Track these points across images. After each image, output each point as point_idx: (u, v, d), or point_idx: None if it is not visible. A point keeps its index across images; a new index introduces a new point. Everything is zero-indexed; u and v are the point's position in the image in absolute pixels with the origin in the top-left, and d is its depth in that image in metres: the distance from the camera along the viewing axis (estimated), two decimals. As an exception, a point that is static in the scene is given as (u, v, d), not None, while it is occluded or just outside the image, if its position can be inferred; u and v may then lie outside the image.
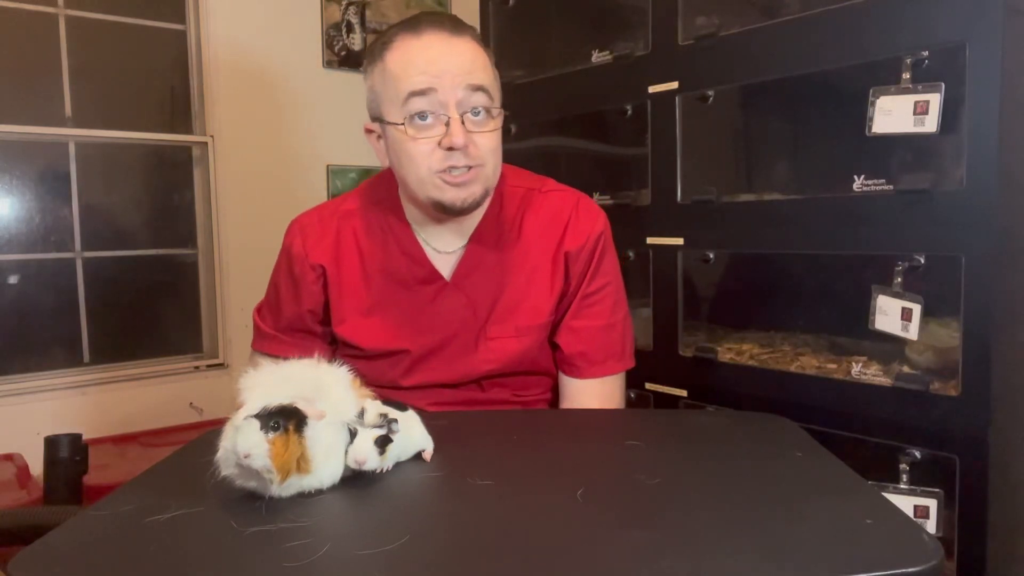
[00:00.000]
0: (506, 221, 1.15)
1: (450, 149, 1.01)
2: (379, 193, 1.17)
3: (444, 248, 1.14)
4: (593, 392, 1.17)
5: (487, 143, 1.04)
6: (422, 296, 1.13)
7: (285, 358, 1.13)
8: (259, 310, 1.23)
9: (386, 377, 1.13)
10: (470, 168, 1.03)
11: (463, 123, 1.01)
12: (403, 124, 1.02)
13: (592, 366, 1.15)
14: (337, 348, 1.19)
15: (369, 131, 1.12)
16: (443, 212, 1.07)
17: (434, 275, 1.13)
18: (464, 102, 1.01)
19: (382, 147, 1.10)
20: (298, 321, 1.17)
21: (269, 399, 0.68)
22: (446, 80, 1.00)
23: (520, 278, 1.13)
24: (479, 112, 1.03)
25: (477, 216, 1.13)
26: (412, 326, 1.13)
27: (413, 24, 1.04)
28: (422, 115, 1.01)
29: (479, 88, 1.02)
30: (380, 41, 1.06)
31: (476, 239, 1.13)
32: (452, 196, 1.04)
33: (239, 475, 0.70)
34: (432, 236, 1.14)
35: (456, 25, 1.05)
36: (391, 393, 1.12)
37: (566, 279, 1.14)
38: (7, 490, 1.85)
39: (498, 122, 1.06)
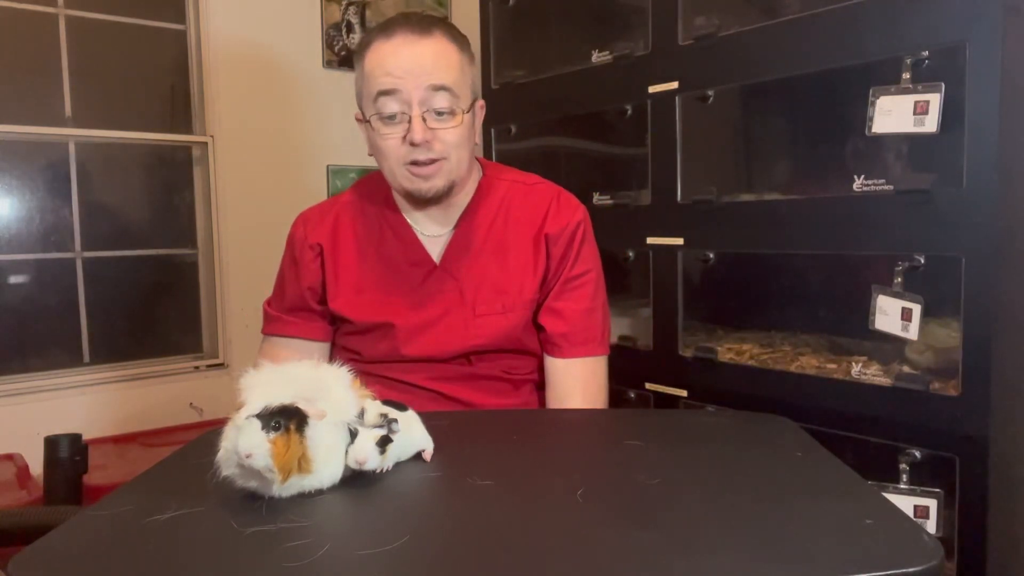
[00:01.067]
0: (491, 209, 1.22)
1: (412, 144, 1.09)
2: (372, 185, 1.26)
3: (432, 232, 1.21)
4: (576, 373, 1.22)
5: (450, 138, 1.11)
6: (413, 277, 1.20)
7: (292, 337, 1.23)
8: (268, 302, 1.31)
9: (378, 350, 1.20)
10: (434, 161, 1.11)
11: (424, 120, 1.08)
12: (371, 117, 1.11)
13: (574, 347, 1.21)
14: (337, 327, 1.25)
15: (359, 120, 1.19)
16: (413, 201, 1.17)
17: (425, 258, 1.20)
18: (426, 101, 1.09)
19: (365, 135, 1.18)
20: (299, 300, 1.24)
21: (270, 399, 0.68)
22: (409, 81, 1.08)
23: (505, 260, 1.20)
24: (442, 111, 1.10)
25: (462, 203, 1.22)
26: (402, 303, 1.19)
27: (387, 26, 1.12)
28: (389, 113, 1.09)
29: (441, 87, 1.09)
30: (362, 42, 1.15)
31: (462, 224, 1.21)
32: (417, 186, 1.13)
33: (240, 475, 0.70)
34: (419, 222, 1.22)
35: (425, 25, 1.11)
36: (389, 367, 1.19)
37: (547, 260, 1.21)
38: (7, 490, 1.85)
39: (462, 118, 1.12)
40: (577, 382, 1.21)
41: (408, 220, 1.21)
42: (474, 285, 1.19)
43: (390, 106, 1.09)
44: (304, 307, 1.24)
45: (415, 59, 1.08)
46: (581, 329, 1.21)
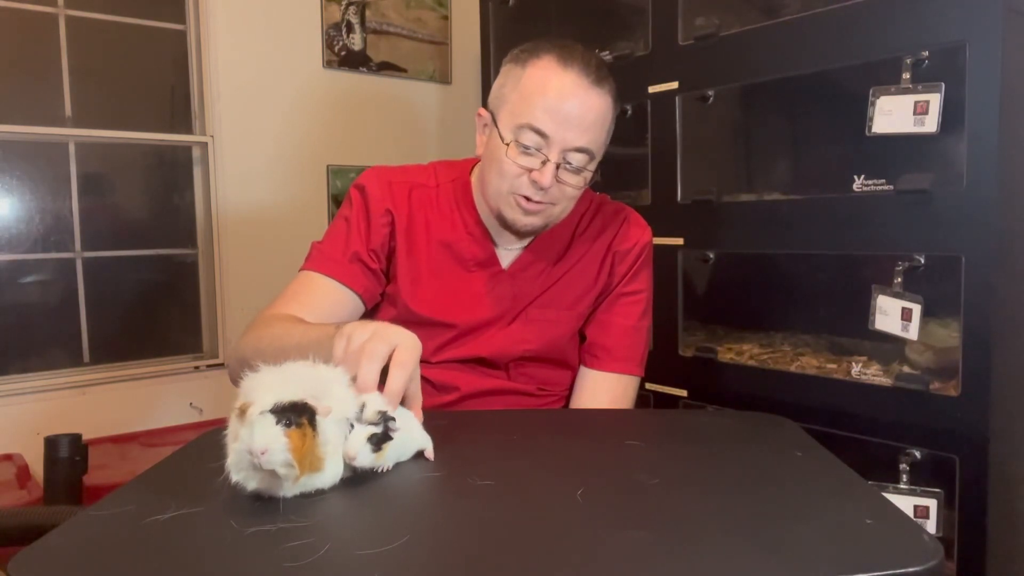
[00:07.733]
0: (568, 226, 1.22)
1: (534, 183, 1.07)
2: (453, 174, 1.23)
3: (504, 245, 1.20)
4: (608, 387, 1.21)
5: (569, 191, 1.11)
6: (476, 278, 1.18)
7: (344, 285, 1.14)
8: (317, 244, 1.21)
9: (424, 347, 1.12)
10: (543, 204, 1.10)
11: (557, 168, 1.07)
12: (509, 142, 1.07)
13: (613, 361, 1.21)
14: (381, 303, 1.20)
15: (480, 116, 1.16)
16: (503, 221, 1.14)
17: (493, 261, 1.19)
18: (568, 154, 1.08)
19: (484, 138, 1.15)
20: (363, 255, 1.17)
21: (279, 396, 0.68)
22: (563, 132, 1.06)
23: (569, 273, 1.21)
24: (575, 167, 1.09)
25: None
26: (460, 302, 1.17)
27: (566, 53, 1.07)
28: (527, 146, 1.07)
29: (585, 149, 1.08)
30: (530, 47, 1.10)
31: (536, 244, 1.20)
32: (515, 217, 1.12)
33: (251, 477, 0.68)
34: (497, 233, 1.19)
35: (601, 75, 1.08)
36: (427, 367, 1.14)
37: (609, 276, 1.22)
38: (7, 490, 1.85)
39: (586, 175, 1.11)
40: (607, 396, 1.21)
41: (487, 228, 1.18)
42: (534, 293, 1.19)
43: (532, 139, 1.06)
44: (362, 262, 1.17)
45: (579, 111, 1.05)
46: (624, 345, 1.21)
